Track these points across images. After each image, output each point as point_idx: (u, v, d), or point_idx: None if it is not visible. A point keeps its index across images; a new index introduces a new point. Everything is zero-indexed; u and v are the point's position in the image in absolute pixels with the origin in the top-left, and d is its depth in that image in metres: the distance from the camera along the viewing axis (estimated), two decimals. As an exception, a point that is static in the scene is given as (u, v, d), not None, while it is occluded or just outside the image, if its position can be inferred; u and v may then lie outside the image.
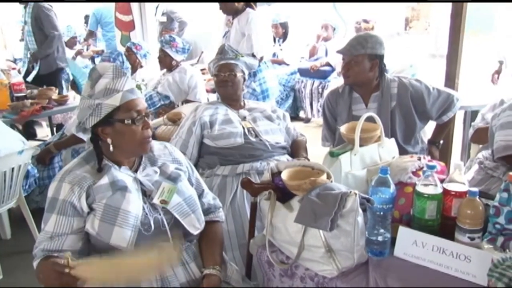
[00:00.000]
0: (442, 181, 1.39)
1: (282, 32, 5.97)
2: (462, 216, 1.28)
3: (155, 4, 5.99)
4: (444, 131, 2.38)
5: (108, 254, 1.27)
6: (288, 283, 1.46)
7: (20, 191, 2.64)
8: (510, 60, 4.43)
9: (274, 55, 5.90)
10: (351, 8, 6.26)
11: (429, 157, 1.68)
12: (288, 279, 1.45)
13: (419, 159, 1.59)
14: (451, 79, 2.72)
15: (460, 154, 3.19)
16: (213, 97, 3.84)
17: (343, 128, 1.78)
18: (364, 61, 2.14)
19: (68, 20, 6.13)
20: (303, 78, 5.54)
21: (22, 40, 4.96)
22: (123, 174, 1.38)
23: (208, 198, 1.61)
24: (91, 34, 6.44)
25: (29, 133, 4.66)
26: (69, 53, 5.54)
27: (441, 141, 2.43)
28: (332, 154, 1.65)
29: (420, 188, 1.34)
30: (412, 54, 5.92)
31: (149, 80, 3.77)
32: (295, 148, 2.40)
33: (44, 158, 2.98)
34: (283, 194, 1.47)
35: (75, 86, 4.53)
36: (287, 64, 5.88)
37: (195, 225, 1.44)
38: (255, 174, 2.14)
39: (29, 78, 4.46)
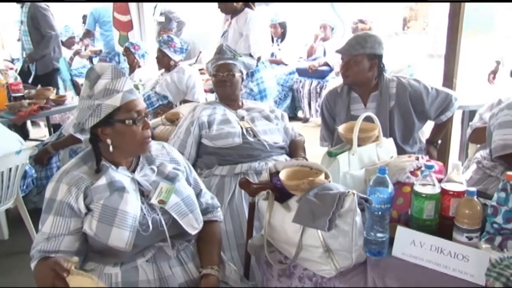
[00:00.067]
0: (440, 180, 1.38)
1: (280, 32, 5.98)
2: (460, 215, 1.28)
3: (153, 4, 5.98)
4: (442, 131, 2.39)
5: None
6: (287, 283, 1.45)
7: (18, 192, 2.63)
8: (508, 60, 4.43)
9: (272, 55, 5.90)
10: (349, 8, 6.26)
11: (427, 157, 1.68)
12: (287, 279, 1.45)
13: (417, 159, 1.59)
14: (449, 79, 2.72)
15: (458, 154, 3.19)
16: (211, 97, 3.83)
17: (341, 128, 1.78)
18: (363, 61, 2.14)
19: (66, 20, 6.09)
20: (301, 78, 5.55)
21: (19, 40, 4.94)
22: (120, 175, 1.38)
23: (206, 197, 1.61)
24: (88, 34, 6.33)
25: (21, 133, 4.63)
26: (68, 53, 5.51)
27: (439, 141, 2.44)
28: (330, 154, 1.65)
29: (418, 188, 1.35)
30: (410, 54, 5.94)
31: (147, 80, 3.76)
32: (293, 148, 2.39)
33: (42, 159, 2.97)
34: (281, 194, 1.47)
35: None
36: (286, 64, 5.88)
37: (193, 225, 1.44)
38: (253, 174, 2.14)
39: (29, 80, 4.44)
